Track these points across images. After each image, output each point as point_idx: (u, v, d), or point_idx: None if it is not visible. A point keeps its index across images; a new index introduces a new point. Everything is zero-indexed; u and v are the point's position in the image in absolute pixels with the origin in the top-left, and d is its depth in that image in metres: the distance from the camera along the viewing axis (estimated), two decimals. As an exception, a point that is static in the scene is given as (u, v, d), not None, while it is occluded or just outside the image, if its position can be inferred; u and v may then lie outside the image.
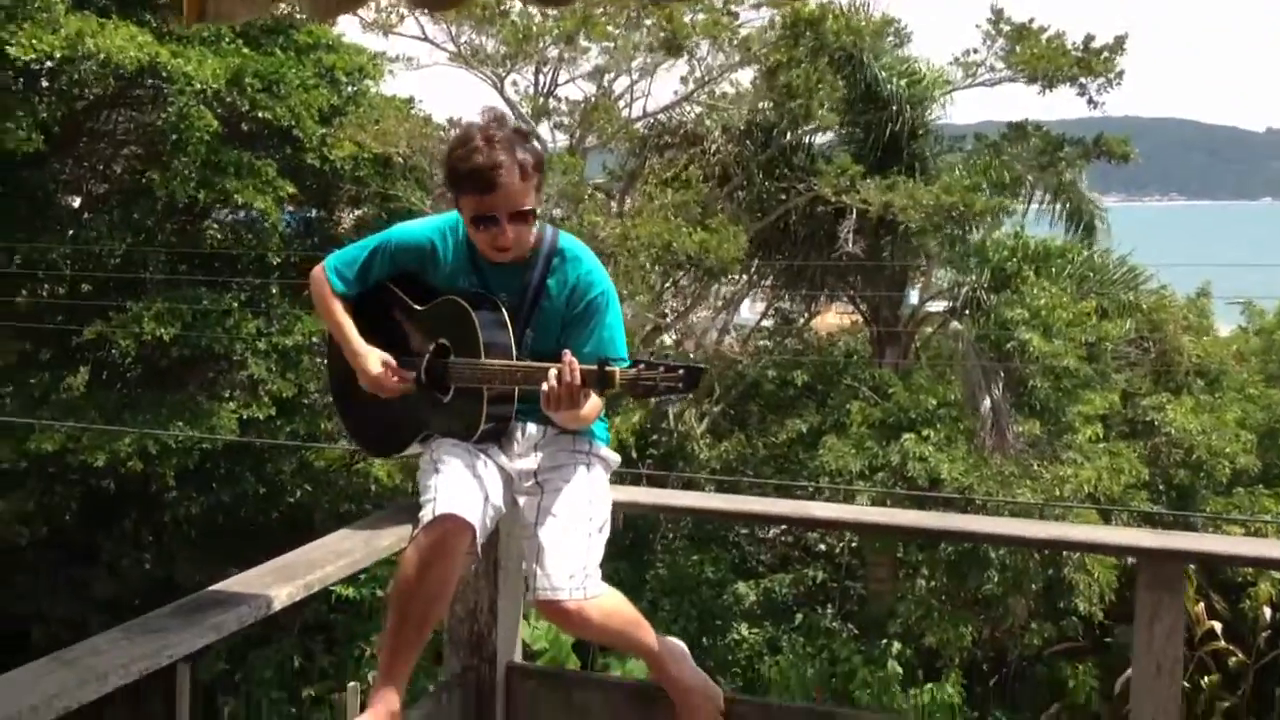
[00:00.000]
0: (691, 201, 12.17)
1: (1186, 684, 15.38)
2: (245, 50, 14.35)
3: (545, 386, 2.93)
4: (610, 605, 3.15)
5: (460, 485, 3.04)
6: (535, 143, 3.17)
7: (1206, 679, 15.21)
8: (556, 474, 3.20)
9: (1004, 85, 14.69)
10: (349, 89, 15.35)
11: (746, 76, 14.35)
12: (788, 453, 16.45)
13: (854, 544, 16.63)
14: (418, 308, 3.26)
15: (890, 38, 14.44)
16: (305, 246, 16.72)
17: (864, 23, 13.90)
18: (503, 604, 3.56)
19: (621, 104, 15.33)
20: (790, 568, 17.30)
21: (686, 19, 13.25)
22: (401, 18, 13.38)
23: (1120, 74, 14.11)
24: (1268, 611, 14.99)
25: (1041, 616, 14.46)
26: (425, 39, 14.49)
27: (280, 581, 2.64)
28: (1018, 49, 14.47)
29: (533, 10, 13.10)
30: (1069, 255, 15.67)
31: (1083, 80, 14.19)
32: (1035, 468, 13.82)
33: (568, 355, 2.93)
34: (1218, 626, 15.05)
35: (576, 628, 3.11)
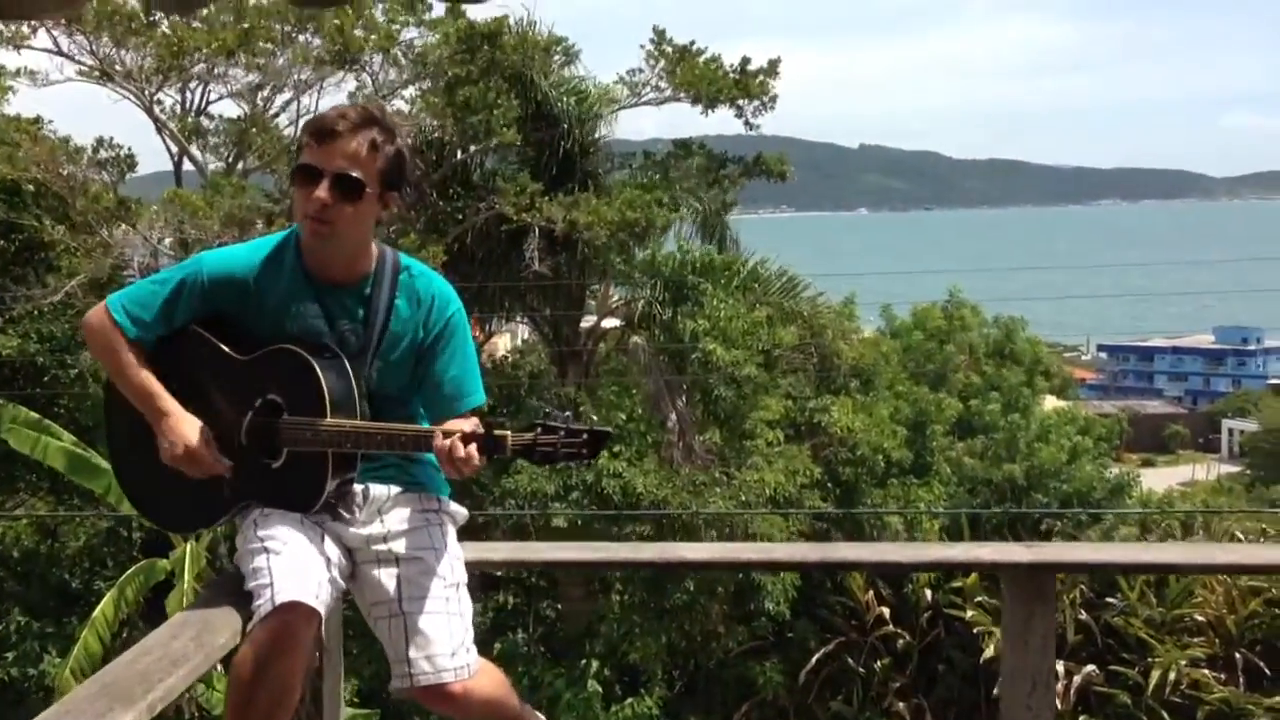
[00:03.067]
0: (384, 223, 11.62)
1: (861, 669, 16.34)
2: None
3: (442, 460, 2.63)
4: (489, 678, 2.85)
5: (299, 566, 2.61)
6: (405, 148, 2.77)
7: (879, 663, 16.20)
8: (412, 541, 2.83)
9: (671, 104, 15.10)
10: (-38, 109, 13.64)
11: (417, 92, 13.96)
12: (473, 479, 16.08)
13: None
14: (239, 357, 2.77)
15: (558, 56, 14.48)
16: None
17: (535, 39, 13.85)
18: (326, 689, 3.10)
19: (284, 122, 14.53)
20: (475, 596, 16.91)
21: (358, 32, 12.70)
22: (34, 30, 11.97)
23: (775, 97, 14.83)
24: (928, 593, 16.15)
25: (734, 620, 14.89)
26: (60, 53, 13.06)
27: (119, 704, 2.12)
28: (678, 70, 14.88)
29: (193, 23, 12.10)
30: (734, 267, 16.27)
31: (740, 102, 14.78)
32: (720, 475, 14.22)
33: (441, 438, 2.61)
34: (886, 612, 16.06)
35: (461, 710, 2.79)
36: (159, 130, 14.66)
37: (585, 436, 2.57)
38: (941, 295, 21.58)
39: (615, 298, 16.40)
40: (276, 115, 16.01)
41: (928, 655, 16.42)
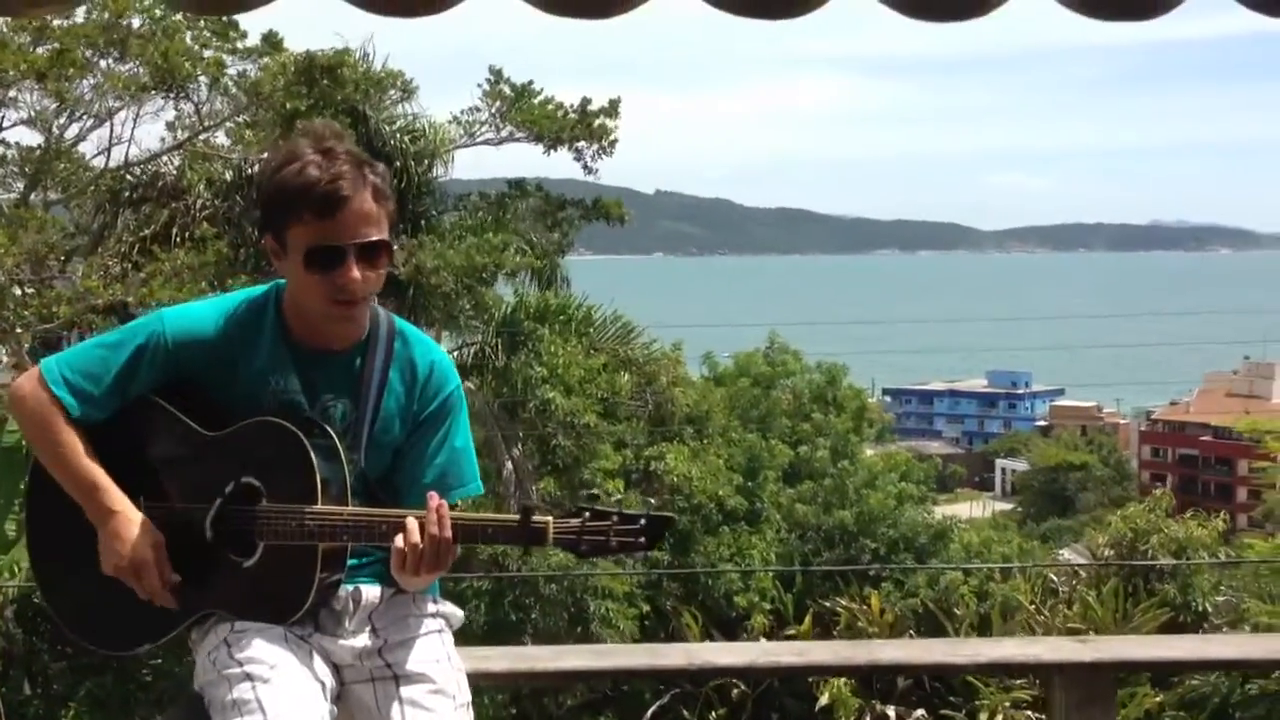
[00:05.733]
0: (210, 263, 10.86)
1: None
2: None
3: (400, 543, 2.19)
4: None
5: (296, 697, 2.18)
6: (381, 170, 2.37)
7: (714, 713, 16.02)
8: (413, 653, 2.39)
9: (511, 145, 14.75)
10: None
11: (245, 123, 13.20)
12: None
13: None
14: (206, 433, 2.29)
15: (393, 91, 13.94)
16: None
17: (372, 75, 13.28)
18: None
19: (89, 150, 13.56)
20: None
21: (185, 61, 11.87)
22: None
23: (614, 141, 14.65)
24: (763, 641, 16.12)
25: (573, 674, 14.45)
26: None
27: None
28: (515, 109, 14.56)
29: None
30: (568, 311, 15.99)
31: (579, 144, 14.55)
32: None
33: (436, 501, 2.23)
34: (722, 661, 15.93)
35: None
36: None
37: (642, 523, 2.20)
38: (748, 343, 21.84)
39: (445, 344, 15.85)
40: (76, 143, 14.94)
41: (761, 704, 16.35)
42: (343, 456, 2.29)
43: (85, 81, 13.92)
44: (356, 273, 2.24)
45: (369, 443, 2.36)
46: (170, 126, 13.64)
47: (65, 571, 2.39)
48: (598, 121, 14.44)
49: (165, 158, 14.14)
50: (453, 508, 2.33)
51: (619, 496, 14.63)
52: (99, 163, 13.78)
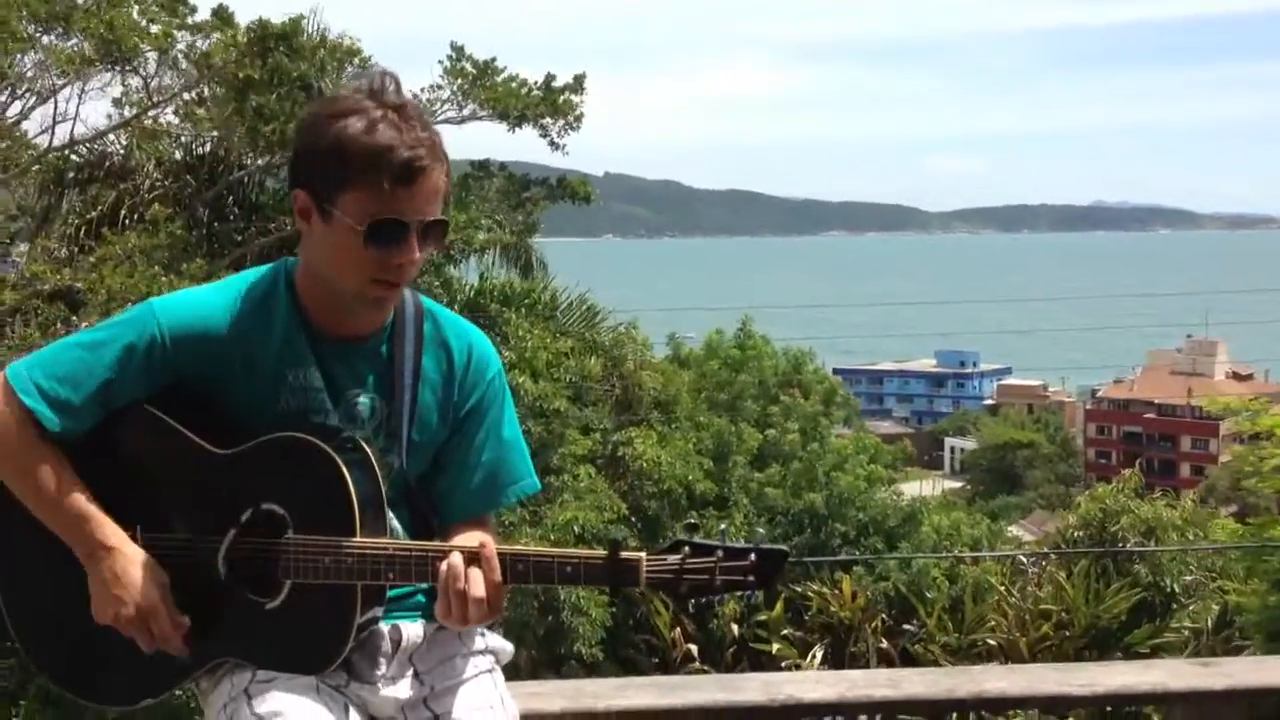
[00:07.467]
0: (163, 246, 10.35)
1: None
2: None
3: (446, 589, 1.88)
4: None
5: None
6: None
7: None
8: (463, 699, 2.06)
9: (475, 123, 14.26)
10: None
11: (196, 98, 12.66)
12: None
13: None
14: (216, 450, 1.92)
15: (350, 68, 13.41)
16: None
17: (332, 45, 12.76)
18: None
19: (32, 128, 12.98)
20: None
21: (132, 34, 11.31)
22: None
23: (580, 116, 14.24)
24: (734, 628, 15.94)
25: (542, 666, 14.17)
26: None
27: None
28: (478, 86, 14.10)
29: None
30: (533, 295, 15.60)
31: (545, 121, 14.12)
32: (529, 514, 13.49)
33: (488, 544, 1.91)
34: (694, 649, 15.72)
35: None
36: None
37: (752, 558, 1.87)
38: (700, 326, 21.65)
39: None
40: (18, 122, 14.30)
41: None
42: (377, 468, 1.94)
43: (27, 58, 13.32)
44: (419, 253, 1.93)
45: (408, 443, 2.01)
46: (117, 103, 13.06)
47: (47, 614, 2.02)
48: (563, 98, 14.02)
49: (112, 136, 13.56)
50: (508, 509, 2.02)
51: (588, 482, 14.19)
52: (42, 141, 13.19)
